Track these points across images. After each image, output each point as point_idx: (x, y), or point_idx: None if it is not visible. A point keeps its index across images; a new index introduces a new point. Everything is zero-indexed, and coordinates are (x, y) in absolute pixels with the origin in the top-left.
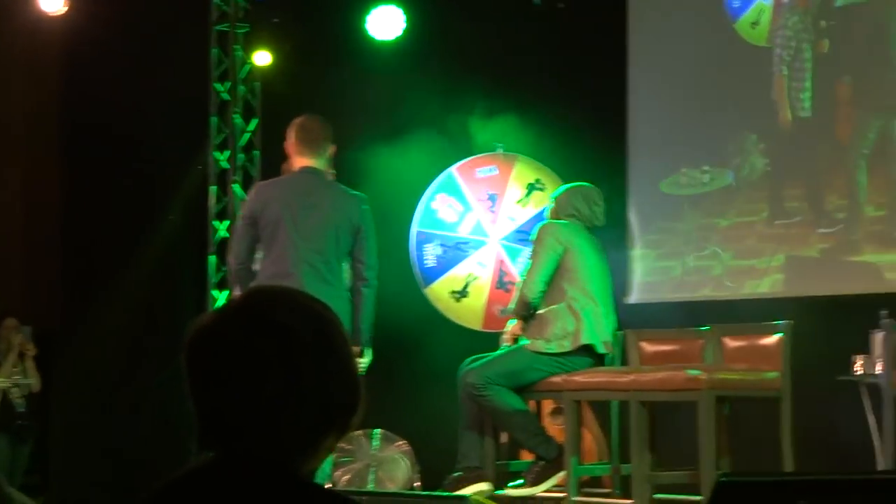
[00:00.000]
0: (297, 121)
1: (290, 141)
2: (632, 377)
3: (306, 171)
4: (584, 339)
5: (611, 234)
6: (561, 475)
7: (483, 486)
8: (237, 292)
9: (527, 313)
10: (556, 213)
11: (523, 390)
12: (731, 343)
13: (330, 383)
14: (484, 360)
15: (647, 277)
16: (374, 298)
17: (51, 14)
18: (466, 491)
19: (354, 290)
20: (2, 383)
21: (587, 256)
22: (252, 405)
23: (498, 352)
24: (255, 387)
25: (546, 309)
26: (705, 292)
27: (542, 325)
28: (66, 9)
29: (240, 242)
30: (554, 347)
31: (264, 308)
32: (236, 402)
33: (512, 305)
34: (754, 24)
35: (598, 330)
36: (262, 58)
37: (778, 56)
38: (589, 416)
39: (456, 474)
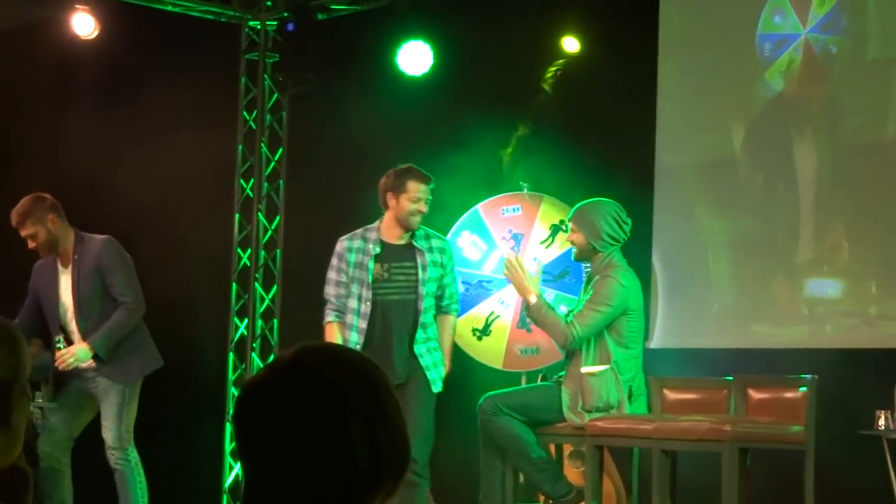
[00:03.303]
0: (49, 201)
1: (54, 221)
2: (655, 425)
3: None
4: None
5: None
6: None
7: None
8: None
9: (559, 345)
10: (586, 242)
11: (539, 427)
12: (756, 395)
13: (378, 443)
14: (504, 390)
15: (669, 323)
16: None
17: (82, 37)
18: None
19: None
20: None
21: (639, 319)
22: (299, 463)
23: (521, 387)
24: (303, 445)
25: (589, 369)
26: (728, 341)
27: (585, 390)
28: (97, 32)
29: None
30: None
31: (315, 364)
32: (283, 461)
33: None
34: (783, 73)
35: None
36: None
37: None
38: (609, 461)
39: None
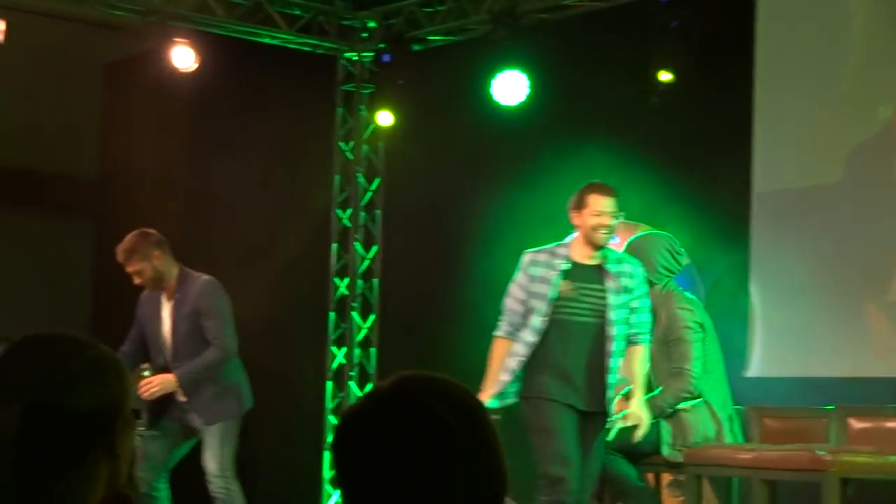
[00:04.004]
0: (155, 237)
1: (160, 257)
2: (755, 454)
3: None
4: None
5: (732, 305)
6: None
7: None
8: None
9: (689, 394)
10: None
11: (639, 458)
12: (856, 424)
13: (477, 474)
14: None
15: (767, 351)
16: None
17: (182, 70)
18: None
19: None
20: None
21: (713, 339)
22: (397, 493)
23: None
24: (401, 474)
25: (683, 405)
26: (828, 369)
27: (683, 427)
28: (196, 65)
29: None
30: None
31: (412, 394)
32: (382, 490)
33: (669, 397)
34: (889, 99)
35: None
36: (385, 118)
37: None
38: (708, 490)
39: None
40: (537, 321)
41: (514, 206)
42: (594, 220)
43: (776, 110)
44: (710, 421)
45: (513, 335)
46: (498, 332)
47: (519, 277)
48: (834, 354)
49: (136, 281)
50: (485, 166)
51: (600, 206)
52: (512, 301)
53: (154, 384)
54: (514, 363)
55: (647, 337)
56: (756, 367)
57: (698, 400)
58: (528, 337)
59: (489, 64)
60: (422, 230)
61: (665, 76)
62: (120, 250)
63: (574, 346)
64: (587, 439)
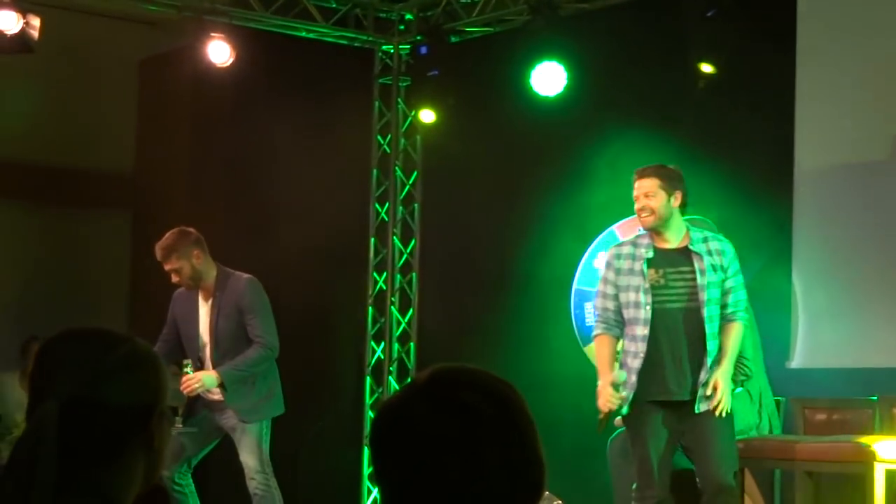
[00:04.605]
0: (194, 236)
1: (199, 256)
2: (797, 446)
3: None
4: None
5: (774, 295)
6: None
7: None
8: None
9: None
10: None
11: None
12: None
13: (514, 465)
14: None
15: (811, 341)
16: None
17: (218, 65)
18: None
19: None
20: None
21: (752, 320)
22: (435, 487)
23: None
24: (438, 468)
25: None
26: (872, 359)
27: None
28: (232, 59)
29: None
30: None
31: (449, 387)
32: (419, 484)
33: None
34: None
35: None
36: (427, 115)
37: None
38: (750, 483)
39: None
40: (645, 312)
41: (554, 197)
42: (635, 206)
43: (819, 86)
44: (749, 407)
45: (611, 330)
46: (597, 331)
47: (606, 274)
48: (879, 343)
49: (174, 279)
50: (523, 158)
51: (636, 190)
52: (603, 300)
53: (195, 380)
54: (636, 362)
55: (744, 315)
56: (799, 357)
57: (741, 389)
58: (641, 330)
59: (527, 55)
60: (460, 223)
61: (706, 66)
62: (158, 248)
63: (668, 335)
64: (695, 425)
